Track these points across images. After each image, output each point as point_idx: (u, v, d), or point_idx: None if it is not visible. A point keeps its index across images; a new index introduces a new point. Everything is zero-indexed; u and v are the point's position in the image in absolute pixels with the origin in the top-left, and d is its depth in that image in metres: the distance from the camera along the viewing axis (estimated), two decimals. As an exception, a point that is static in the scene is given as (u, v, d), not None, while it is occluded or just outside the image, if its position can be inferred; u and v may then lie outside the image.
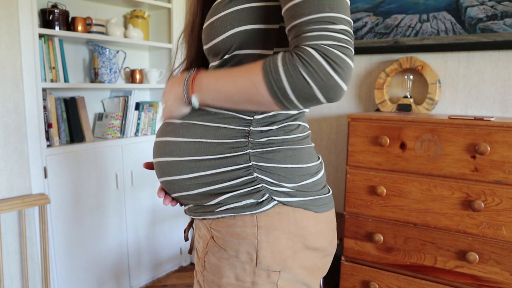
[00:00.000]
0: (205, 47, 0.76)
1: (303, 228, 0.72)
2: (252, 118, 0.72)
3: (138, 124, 2.34)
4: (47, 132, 1.90)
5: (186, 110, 0.74)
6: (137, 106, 2.32)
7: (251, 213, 0.70)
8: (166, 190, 0.81)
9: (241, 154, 0.71)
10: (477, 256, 1.45)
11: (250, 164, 0.70)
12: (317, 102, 0.61)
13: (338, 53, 0.58)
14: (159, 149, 0.79)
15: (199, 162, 0.72)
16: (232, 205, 0.71)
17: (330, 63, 0.58)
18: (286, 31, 0.65)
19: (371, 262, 1.68)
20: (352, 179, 1.67)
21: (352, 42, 0.61)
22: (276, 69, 0.61)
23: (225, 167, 0.71)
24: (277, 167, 0.71)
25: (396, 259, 1.61)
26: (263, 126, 0.72)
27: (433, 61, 1.82)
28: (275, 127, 0.73)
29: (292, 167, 0.73)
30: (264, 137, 0.72)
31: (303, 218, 0.72)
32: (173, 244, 2.60)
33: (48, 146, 1.90)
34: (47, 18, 1.91)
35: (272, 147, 0.72)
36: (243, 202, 0.70)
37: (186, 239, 0.92)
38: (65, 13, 1.97)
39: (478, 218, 1.44)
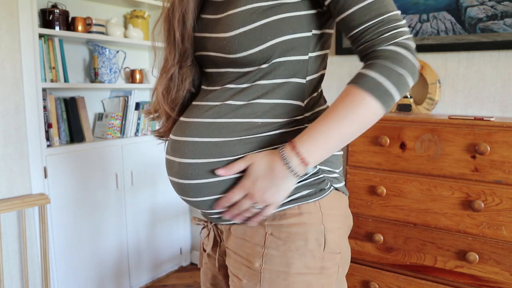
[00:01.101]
0: (230, 55, 0.73)
1: (345, 210, 0.79)
2: (303, 116, 0.76)
3: (138, 124, 2.34)
4: (47, 132, 1.90)
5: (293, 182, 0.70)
6: (137, 106, 2.32)
7: (315, 200, 0.73)
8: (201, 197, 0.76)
9: None
10: (477, 256, 1.45)
11: None
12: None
13: (411, 43, 0.68)
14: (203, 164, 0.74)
15: None
16: (297, 195, 0.73)
17: (412, 54, 0.68)
18: (353, 34, 0.69)
19: (371, 262, 1.67)
20: (352, 179, 1.67)
21: None
22: (378, 83, 0.65)
23: None
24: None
25: (396, 259, 1.61)
26: (313, 121, 0.74)
27: (433, 61, 1.82)
28: None
29: (338, 154, 0.80)
30: None
31: (344, 200, 0.79)
32: (173, 244, 2.60)
33: (48, 146, 1.90)
34: (47, 18, 1.91)
35: None
36: (308, 191, 0.73)
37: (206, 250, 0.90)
38: (65, 13, 1.97)
39: (478, 218, 1.44)
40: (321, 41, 0.77)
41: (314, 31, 0.74)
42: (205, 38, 0.78)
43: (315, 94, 0.78)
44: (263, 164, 0.68)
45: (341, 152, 0.81)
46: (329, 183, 0.75)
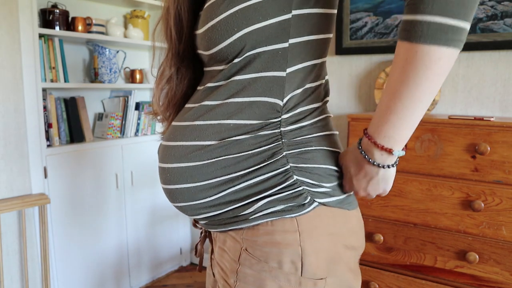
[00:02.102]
0: (206, 52, 0.70)
1: (340, 228, 0.69)
2: (280, 119, 0.67)
3: (138, 124, 2.34)
4: (47, 132, 1.90)
5: (392, 170, 0.65)
6: (137, 106, 2.32)
7: (291, 217, 0.65)
8: (181, 202, 0.73)
9: (278, 159, 0.66)
10: (477, 256, 1.45)
11: (288, 166, 0.66)
12: None
13: None
14: (181, 170, 0.71)
15: (230, 181, 0.67)
16: (270, 210, 0.65)
17: None
18: None
19: (371, 262, 1.67)
20: (352, 179, 1.67)
21: None
22: (425, 24, 0.54)
23: (262, 175, 0.66)
24: (317, 167, 0.67)
25: (396, 259, 1.61)
26: (293, 124, 0.68)
27: (433, 61, 1.82)
28: (306, 123, 0.69)
29: (327, 167, 0.69)
30: (298, 136, 0.68)
31: (339, 217, 0.69)
32: (173, 244, 2.60)
33: (48, 146, 1.91)
34: (47, 18, 1.91)
35: (311, 146, 0.68)
36: (283, 206, 0.65)
37: (199, 255, 0.87)
38: (65, 13, 1.97)
39: (478, 218, 1.44)
40: (309, 24, 0.66)
41: (295, 12, 0.64)
42: (196, 35, 0.76)
43: (299, 91, 0.68)
44: (352, 165, 0.67)
45: (333, 167, 0.70)
46: (309, 198, 0.66)
